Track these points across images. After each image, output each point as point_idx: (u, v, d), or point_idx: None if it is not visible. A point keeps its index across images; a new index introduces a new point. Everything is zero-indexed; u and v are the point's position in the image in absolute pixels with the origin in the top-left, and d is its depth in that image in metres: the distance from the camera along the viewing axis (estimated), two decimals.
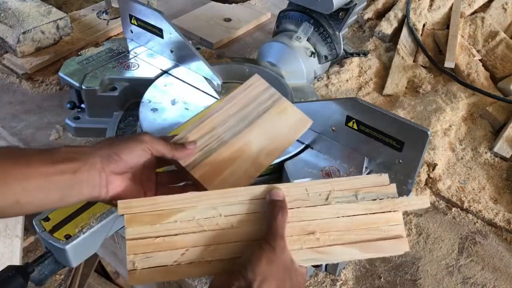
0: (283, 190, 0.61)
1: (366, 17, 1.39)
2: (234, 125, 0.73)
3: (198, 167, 0.69)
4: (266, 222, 0.58)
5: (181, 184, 0.71)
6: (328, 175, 0.84)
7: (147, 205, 0.59)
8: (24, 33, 1.20)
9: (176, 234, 0.59)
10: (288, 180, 0.83)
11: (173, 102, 0.99)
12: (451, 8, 1.35)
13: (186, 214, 0.59)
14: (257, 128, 0.74)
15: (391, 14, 1.34)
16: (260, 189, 0.61)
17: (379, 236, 0.60)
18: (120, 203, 0.59)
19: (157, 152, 0.64)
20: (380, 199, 0.61)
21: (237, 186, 0.67)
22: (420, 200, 0.61)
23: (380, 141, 0.81)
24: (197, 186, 0.68)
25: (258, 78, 0.78)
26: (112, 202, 0.63)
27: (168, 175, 0.71)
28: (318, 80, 1.18)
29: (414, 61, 1.25)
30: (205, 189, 0.67)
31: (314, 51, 1.09)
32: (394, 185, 0.62)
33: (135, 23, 1.10)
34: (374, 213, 0.61)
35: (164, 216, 0.59)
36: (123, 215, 0.59)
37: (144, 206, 0.59)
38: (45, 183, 0.56)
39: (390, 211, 0.61)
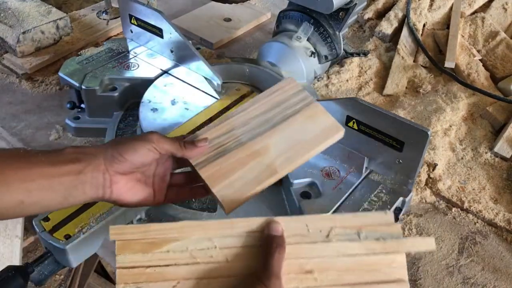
0: (282, 224, 0.57)
1: (366, 17, 1.39)
2: (255, 127, 0.69)
3: (208, 167, 0.66)
4: (262, 258, 0.55)
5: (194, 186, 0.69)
6: (328, 175, 0.84)
7: (140, 232, 0.56)
8: (24, 33, 1.20)
9: (167, 265, 0.56)
10: (288, 180, 0.83)
11: (173, 102, 0.99)
12: (451, 8, 1.35)
13: (179, 244, 0.56)
14: (279, 132, 0.69)
15: (391, 14, 1.34)
16: (258, 221, 0.58)
17: (380, 279, 0.56)
18: (111, 228, 0.56)
19: (165, 151, 0.63)
20: (383, 239, 0.57)
21: (245, 192, 0.64)
22: (425, 241, 0.58)
23: (380, 141, 0.81)
24: (206, 188, 0.66)
25: (291, 80, 0.74)
26: (118, 202, 0.62)
27: (183, 176, 0.69)
28: (318, 80, 1.17)
29: (414, 61, 1.25)
30: (211, 192, 0.65)
31: (314, 51, 1.09)
32: (399, 225, 0.59)
33: (135, 23, 1.09)
34: (377, 254, 0.57)
35: (156, 245, 0.56)
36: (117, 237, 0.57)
37: (136, 233, 0.56)
38: (48, 184, 0.56)
39: (394, 253, 0.57)
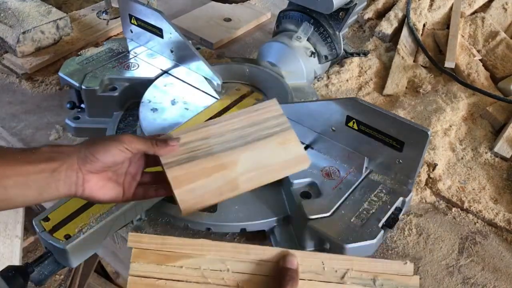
0: (298, 258, 0.58)
1: (366, 17, 1.39)
2: (229, 141, 0.71)
3: (175, 168, 0.67)
4: None
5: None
6: (328, 175, 0.84)
7: (157, 243, 0.58)
8: (24, 33, 1.20)
9: (179, 280, 0.57)
10: (288, 180, 0.83)
11: (173, 102, 0.99)
12: (451, 8, 1.35)
13: (193, 261, 0.57)
14: (249, 151, 0.70)
15: (391, 14, 1.34)
16: (274, 251, 0.58)
17: None
18: (130, 235, 0.58)
19: (137, 150, 0.64)
20: None
21: (204, 200, 0.66)
22: None
23: (380, 141, 0.81)
24: (169, 188, 0.67)
25: (274, 103, 0.75)
26: (90, 199, 0.64)
27: (151, 175, 0.71)
28: (318, 80, 1.17)
29: (414, 61, 1.25)
30: (173, 193, 0.66)
31: (314, 51, 1.09)
32: (417, 278, 0.58)
33: (135, 23, 1.09)
34: None
35: (171, 258, 0.57)
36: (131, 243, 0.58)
37: (154, 243, 0.58)
38: (24, 181, 0.58)
39: None
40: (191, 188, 0.66)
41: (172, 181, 0.66)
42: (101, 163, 0.62)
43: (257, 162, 0.70)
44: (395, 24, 1.32)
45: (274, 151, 0.71)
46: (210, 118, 0.96)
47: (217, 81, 1.00)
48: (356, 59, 1.22)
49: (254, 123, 0.73)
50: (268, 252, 0.58)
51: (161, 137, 0.68)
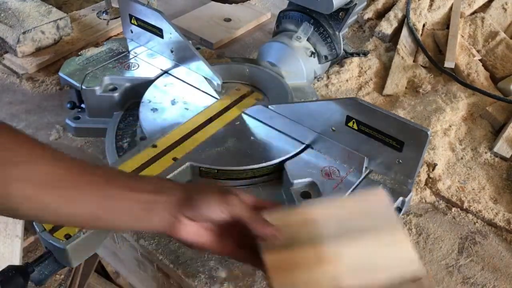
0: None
1: (366, 17, 1.39)
2: (331, 230, 0.62)
3: (274, 251, 0.60)
4: None
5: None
6: (328, 175, 0.84)
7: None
8: (24, 33, 1.20)
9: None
10: (288, 180, 0.83)
11: (173, 102, 0.99)
12: (451, 8, 1.35)
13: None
14: (354, 246, 0.61)
15: (391, 14, 1.34)
16: None
17: None
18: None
19: (238, 217, 0.61)
20: None
21: None
22: None
23: (380, 141, 0.81)
24: (263, 270, 0.61)
25: (382, 193, 0.66)
26: (181, 241, 0.63)
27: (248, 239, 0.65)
28: (318, 80, 1.18)
29: (414, 61, 1.25)
30: (270, 280, 0.59)
31: (314, 51, 1.09)
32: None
33: (135, 23, 1.10)
34: None
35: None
36: None
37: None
38: (128, 207, 0.59)
39: None
40: (291, 283, 0.59)
41: (270, 267, 0.59)
42: (198, 213, 0.61)
43: (362, 262, 0.60)
44: (395, 24, 1.32)
45: (380, 250, 0.61)
46: (210, 118, 0.96)
47: (217, 81, 1.00)
48: (356, 59, 1.22)
49: (359, 213, 0.64)
50: None
51: (266, 212, 0.63)
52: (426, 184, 0.96)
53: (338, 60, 1.18)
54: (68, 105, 1.04)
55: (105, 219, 0.59)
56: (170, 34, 1.04)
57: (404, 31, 1.29)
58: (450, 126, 1.06)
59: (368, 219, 0.63)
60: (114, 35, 1.35)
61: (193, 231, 0.62)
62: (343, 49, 1.14)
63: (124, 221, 0.60)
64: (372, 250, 0.61)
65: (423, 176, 0.96)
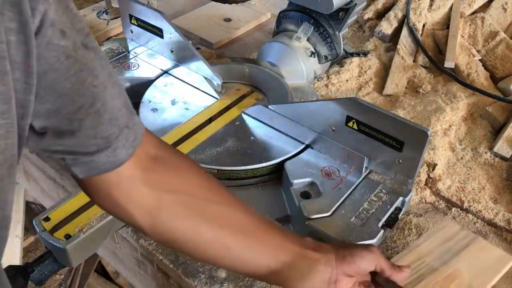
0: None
1: (366, 17, 1.39)
2: (440, 255, 0.77)
3: None
4: None
5: None
6: (328, 175, 0.84)
7: None
8: None
9: None
10: (288, 180, 0.83)
11: (173, 102, 0.99)
12: (451, 8, 1.35)
13: None
14: (463, 259, 0.77)
15: (391, 14, 1.34)
16: None
17: None
18: None
19: (380, 266, 0.66)
20: None
21: None
22: None
23: (380, 141, 0.81)
24: None
25: (452, 223, 0.84)
26: None
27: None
28: (318, 80, 1.18)
29: (414, 61, 1.25)
30: None
31: (314, 51, 1.09)
32: None
33: (135, 23, 1.10)
34: None
35: None
36: None
37: None
38: (293, 261, 0.61)
39: None
40: None
41: None
42: (356, 267, 0.63)
43: (475, 266, 0.76)
44: (395, 24, 1.32)
45: (477, 258, 0.78)
46: (210, 118, 0.96)
47: (217, 81, 1.00)
48: (356, 59, 1.22)
49: (446, 240, 0.80)
50: None
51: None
52: (426, 184, 0.96)
53: (338, 60, 1.18)
54: None
55: (275, 273, 0.61)
56: (170, 34, 1.04)
57: (404, 31, 1.29)
58: (450, 126, 1.06)
59: (454, 241, 0.80)
60: (114, 35, 1.35)
61: (347, 287, 0.64)
62: (343, 49, 1.14)
63: (290, 277, 0.61)
64: (474, 257, 0.77)
65: (423, 176, 0.96)
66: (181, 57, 1.05)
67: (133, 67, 1.07)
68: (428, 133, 0.76)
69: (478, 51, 1.24)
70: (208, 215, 0.58)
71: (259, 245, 0.60)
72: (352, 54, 1.21)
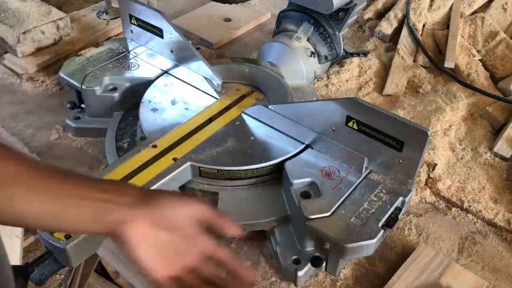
0: None
1: (366, 17, 1.39)
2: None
3: None
4: None
5: None
6: (328, 175, 0.84)
7: None
8: (24, 33, 1.20)
9: None
10: (288, 180, 0.83)
11: (173, 102, 0.99)
12: (451, 8, 1.35)
13: None
14: None
15: (391, 14, 1.34)
16: None
17: None
18: None
19: (203, 216, 0.58)
20: None
21: None
22: None
23: (380, 141, 0.81)
24: None
25: (424, 248, 0.83)
26: (124, 245, 0.57)
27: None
28: (318, 80, 1.18)
29: (414, 61, 1.25)
30: None
31: (314, 51, 1.09)
32: None
33: (135, 23, 1.10)
34: None
35: None
36: None
37: None
38: (79, 204, 0.55)
39: None
40: None
41: None
42: (159, 214, 0.56)
43: None
44: (395, 24, 1.32)
45: (454, 284, 0.78)
46: (210, 118, 0.96)
47: (217, 81, 1.00)
48: (356, 59, 1.22)
49: (422, 271, 0.80)
50: None
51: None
52: (426, 184, 0.96)
53: (338, 60, 1.18)
54: (68, 105, 1.04)
55: (56, 218, 0.55)
56: (170, 34, 1.04)
57: (404, 31, 1.29)
58: (450, 126, 1.06)
59: (429, 271, 0.80)
60: (114, 35, 1.35)
61: (143, 235, 0.55)
62: (343, 49, 1.14)
63: (76, 221, 0.55)
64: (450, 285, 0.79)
65: (423, 176, 0.96)
66: (181, 57, 1.05)
67: (133, 67, 1.07)
68: (428, 133, 0.76)
69: (478, 51, 1.24)
70: None
71: (33, 193, 0.54)
72: (352, 54, 1.21)
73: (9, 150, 0.54)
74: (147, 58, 1.10)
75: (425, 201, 0.94)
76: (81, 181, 0.56)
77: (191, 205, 0.58)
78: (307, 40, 1.09)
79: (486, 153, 1.02)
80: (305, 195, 0.82)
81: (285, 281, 0.80)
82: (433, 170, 0.96)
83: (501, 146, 1.01)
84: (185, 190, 0.87)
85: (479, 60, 1.22)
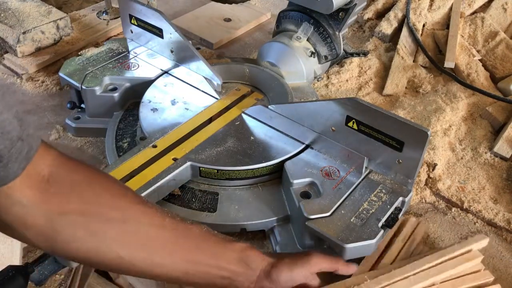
0: None
1: (366, 17, 1.39)
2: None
3: None
4: None
5: None
6: (328, 174, 0.84)
7: None
8: (24, 33, 1.20)
9: None
10: (288, 180, 0.83)
11: (173, 102, 0.99)
12: (451, 8, 1.35)
13: None
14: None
15: (391, 14, 1.34)
16: None
17: None
18: None
19: (320, 270, 0.70)
20: None
21: None
22: None
23: (380, 141, 0.81)
24: None
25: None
26: None
27: None
28: (318, 80, 1.18)
29: (414, 61, 1.25)
30: None
31: (314, 51, 1.09)
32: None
33: (135, 23, 1.10)
34: None
35: None
36: None
37: None
38: (208, 275, 0.62)
39: None
40: None
41: None
42: (282, 281, 0.65)
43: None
44: (395, 24, 1.32)
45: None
46: (211, 118, 0.96)
47: (217, 81, 1.00)
48: (356, 59, 1.22)
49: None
50: None
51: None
52: (426, 184, 0.96)
53: (338, 60, 1.18)
54: (68, 105, 1.04)
55: (185, 280, 0.61)
56: (170, 34, 1.04)
57: (404, 31, 1.29)
58: (450, 126, 1.06)
59: None
60: (114, 35, 1.35)
61: None
62: (343, 49, 1.14)
63: (203, 284, 0.62)
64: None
65: (423, 176, 0.96)
66: (181, 57, 1.05)
67: (133, 67, 1.07)
68: (428, 133, 0.76)
69: (478, 51, 1.24)
70: (106, 235, 0.55)
71: (169, 260, 0.59)
72: (352, 54, 1.21)
73: (148, 210, 0.58)
74: (147, 58, 1.10)
75: (425, 201, 0.94)
76: (213, 247, 0.62)
77: (304, 267, 0.67)
78: (307, 40, 1.09)
79: (486, 153, 1.02)
80: (305, 195, 0.82)
81: None
82: (433, 170, 0.96)
83: (501, 146, 1.01)
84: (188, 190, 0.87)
85: (479, 60, 1.22)
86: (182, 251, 0.59)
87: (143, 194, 0.79)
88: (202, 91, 1.02)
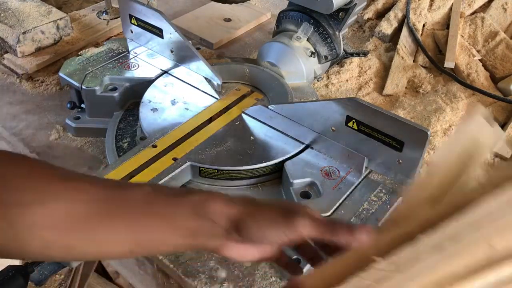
0: None
1: (366, 17, 1.39)
2: None
3: None
4: None
5: None
6: (327, 174, 0.84)
7: None
8: (24, 33, 1.20)
9: None
10: (288, 180, 0.83)
11: (173, 102, 0.99)
12: (451, 8, 1.35)
13: None
14: None
15: (391, 14, 1.34)
16: None
17: None
18: None
19: (308, 237, 0.54)
20: None
21: None
22: None
23: (380, 141, 0.81)
24: None
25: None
26: (225, 257, 0.57)
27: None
28: (318, 80, 1.18)
29: (414, 61, 1.25)
30: None
31: (314, 51, 1.09)
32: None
33: (135, 23, 1.10)
34: None
35: None
36: None
37: None
38: (164, 237, 0.54)
39: None
40: None
41: None
42: (252, 241, 0.53)
43: None
44: (395, 24, 1.32)
45: None
46: (211, 118, 0.96)
47: (217, 81, 1.00)
48: (356, 59, 1.22)
49: None
50: None
51: (343, 223, 0.54)
52: None
53: (338, 60, 1.18)
54: (68, 105, 1.04)
55: (141, 251, 0.55)
56: (170, 34, 1.04)
57: (404, 31, 1.29)
58: (450, 126, 1.06)
59: None
60: (114, 35, 1.35)
61: (241, 251, 0.55)
62: (343, 49, 1.14)
63: (164, 249, 0.58)
64: None
65: None
66: (181, 57, 1.05)
67: (133, 67, 1.07)
68: (428, 133, 0.76)
69: (478, 51, 1.24)
70: (25, 222, 0.48)
71: (111, 235, 0.52)
72: (352, 54, 1.21)
73: (75, 185, 0.51)
74: (147, 58, 1.10)
75: None
76: (163, 207, 0.53)
77: (292, 224, 0.52)
78: (307, 40, 1.09)
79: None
80: (305, 195, 0.82)
81: (285, 281, 0.80)
82: None
83: (501, 146, 1.01)
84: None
85: (479, 60, 1.22)
86: (125, 221, 0.52)
87: None
88: (202, 91, 1.02)
